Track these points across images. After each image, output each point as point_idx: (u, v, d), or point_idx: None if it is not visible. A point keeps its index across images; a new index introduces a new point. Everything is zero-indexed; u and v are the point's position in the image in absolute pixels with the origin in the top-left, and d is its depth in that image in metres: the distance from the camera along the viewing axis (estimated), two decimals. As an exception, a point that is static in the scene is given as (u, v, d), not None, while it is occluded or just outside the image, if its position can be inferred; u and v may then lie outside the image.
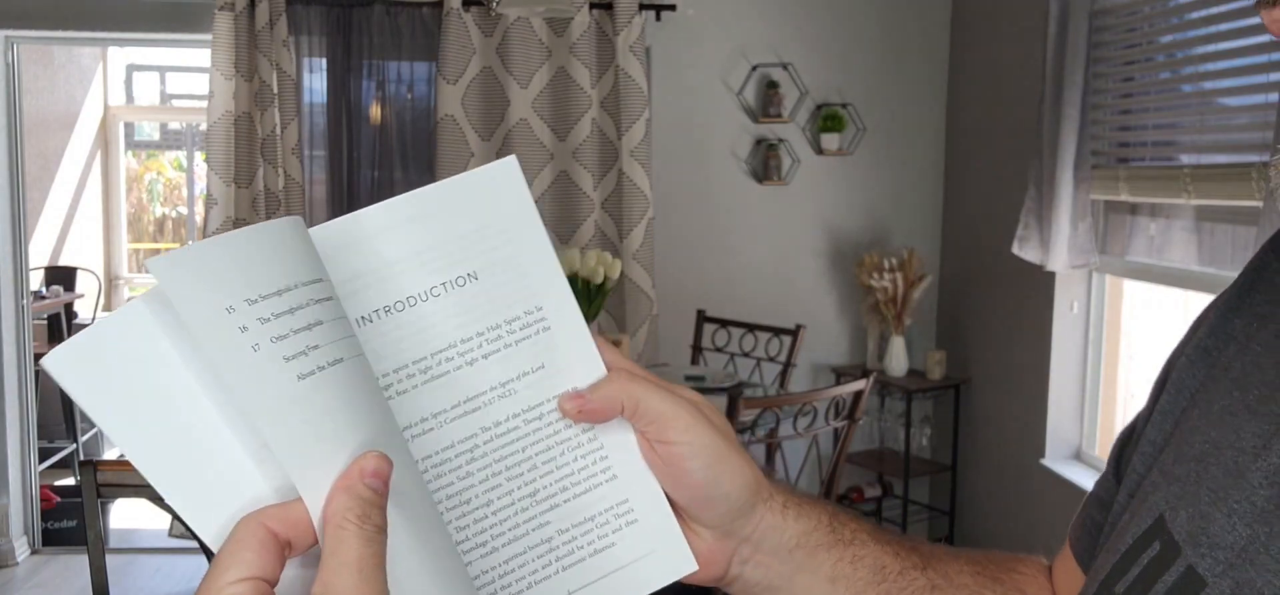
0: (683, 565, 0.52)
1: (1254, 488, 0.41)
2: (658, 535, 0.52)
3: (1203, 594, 0.41)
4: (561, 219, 3.59)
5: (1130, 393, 3.20)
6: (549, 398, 0.51)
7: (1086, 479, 3.06)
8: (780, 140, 3.82)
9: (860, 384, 2.61)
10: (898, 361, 3.78)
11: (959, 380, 3.80)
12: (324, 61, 3.52)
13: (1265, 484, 0.41)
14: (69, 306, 5.87)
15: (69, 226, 6.80)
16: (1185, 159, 2.64)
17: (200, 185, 7.00)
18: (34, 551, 3.88)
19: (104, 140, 7.24)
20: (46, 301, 5.50)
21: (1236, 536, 0.40)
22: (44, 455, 4.51)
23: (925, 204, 4.01)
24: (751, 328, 3.44)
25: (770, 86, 3.77)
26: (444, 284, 0.50)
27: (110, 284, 7.34)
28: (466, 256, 0.50)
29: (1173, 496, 0.45)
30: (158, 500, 1.18)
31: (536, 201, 3.00)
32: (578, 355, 0.52)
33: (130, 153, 7.97)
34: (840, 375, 3.89)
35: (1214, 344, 0.49)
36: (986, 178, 3.69)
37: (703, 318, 3.61)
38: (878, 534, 0.56)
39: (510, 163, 0.52)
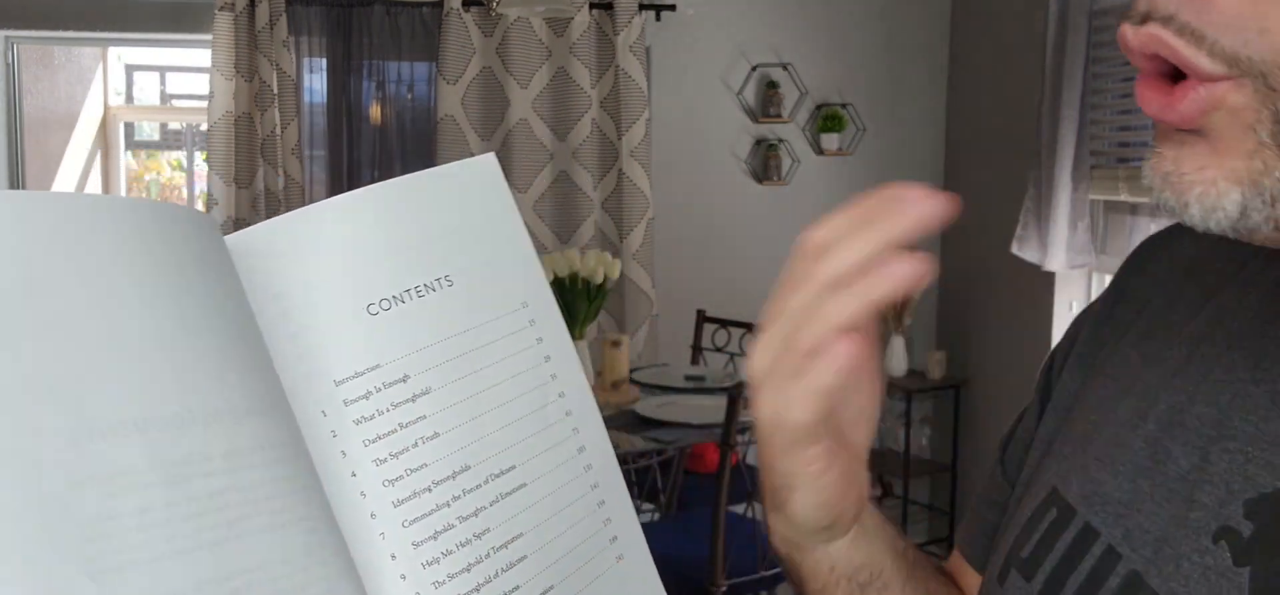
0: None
1: (1134, 451, 0.47)
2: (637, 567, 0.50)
3: (1097, 543, 0.46)
4: (561, 219, 3.59)
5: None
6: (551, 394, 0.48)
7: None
8: (780, 140, 3.82)
9: (860, 384, 2.61)
10: (897, 361, 3.78)
11: (959, 380, 3.80)
12: (324, 62, 3.52)
13: (1144, 447, 0.47)
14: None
15: (69, 226, 6.79)
16: (1184, 159, 2.64)
17: (200, 185, 6.98)
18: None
19: (104, 140, 7.24)
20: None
21: (1123, 491, 0.47)
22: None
23: (925, 204, 4.01)
24: (751, 328, 3.44)
25: (770, 86, 3.77)
26: (416, 287, 0.45)
27: (110, 284, 7.32)
28: (442, 259, 0.46)
29: (1062, 470, 0.51)
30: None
31: (536, 202, 3.00)
32: (565, 357, 0.49)
33: (130, 153, 7.97)
34: (840, 375, 3.89)
35: (1088, 351, 0.57)
36: (986, 178, 3.69)
37: (703, 318, 3.61)
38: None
39: (489, 160, 0.49)
